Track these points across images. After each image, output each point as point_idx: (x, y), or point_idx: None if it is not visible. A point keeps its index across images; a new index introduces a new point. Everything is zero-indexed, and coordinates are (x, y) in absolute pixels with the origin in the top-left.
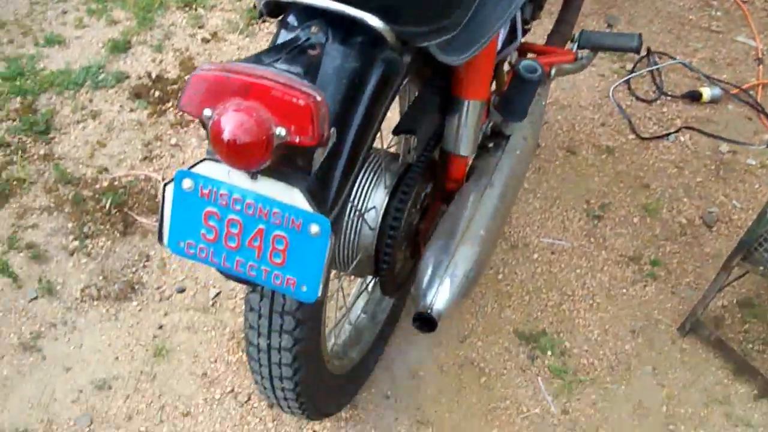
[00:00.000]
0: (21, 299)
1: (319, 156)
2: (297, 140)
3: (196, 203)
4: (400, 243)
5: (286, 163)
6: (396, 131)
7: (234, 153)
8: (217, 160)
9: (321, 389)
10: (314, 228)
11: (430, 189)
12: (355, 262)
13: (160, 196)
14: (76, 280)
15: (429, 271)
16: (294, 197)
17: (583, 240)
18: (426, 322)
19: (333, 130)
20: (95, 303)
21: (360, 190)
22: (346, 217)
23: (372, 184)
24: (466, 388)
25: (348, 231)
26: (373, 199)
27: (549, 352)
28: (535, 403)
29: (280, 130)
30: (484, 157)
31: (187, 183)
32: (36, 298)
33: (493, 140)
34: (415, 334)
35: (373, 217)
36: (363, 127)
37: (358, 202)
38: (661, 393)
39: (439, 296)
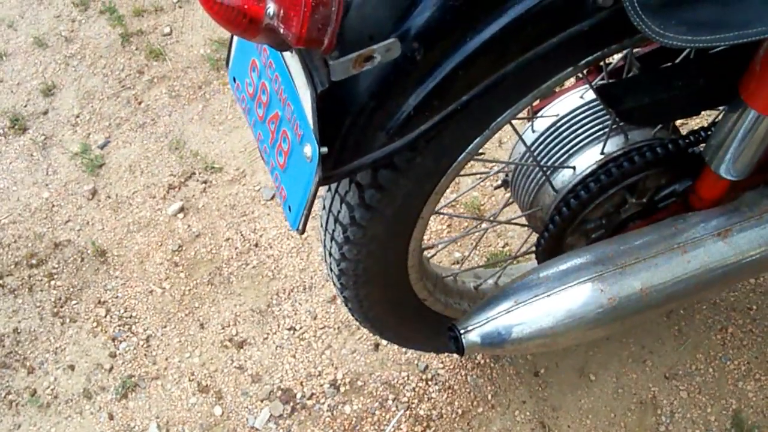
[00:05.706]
0: None
1: (343, 66)
2: (281, 30)
3: (248, 45)
4: (582, 228)
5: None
6: (601, 95)
7: (215, 11)
8: None
9: (387, 308)
10: (307, 149)
11: (676, 189)
12: (528, 211)
13: None
14: None
15: (513, 287)
16: (306, 98)
17: None
18: (454, 340)
19: (393, 40)
20: None
21: (557, 136)
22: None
23: (582, 138)
24: None
25: (527, 177)
26: (576, 157)
27: None
28: None
29: (272, 8)
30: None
31: None
32: None
33: None
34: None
35: (565, 179)
36: (493, 62)
37: (548, 151)
38: None
39: (487, 327)
